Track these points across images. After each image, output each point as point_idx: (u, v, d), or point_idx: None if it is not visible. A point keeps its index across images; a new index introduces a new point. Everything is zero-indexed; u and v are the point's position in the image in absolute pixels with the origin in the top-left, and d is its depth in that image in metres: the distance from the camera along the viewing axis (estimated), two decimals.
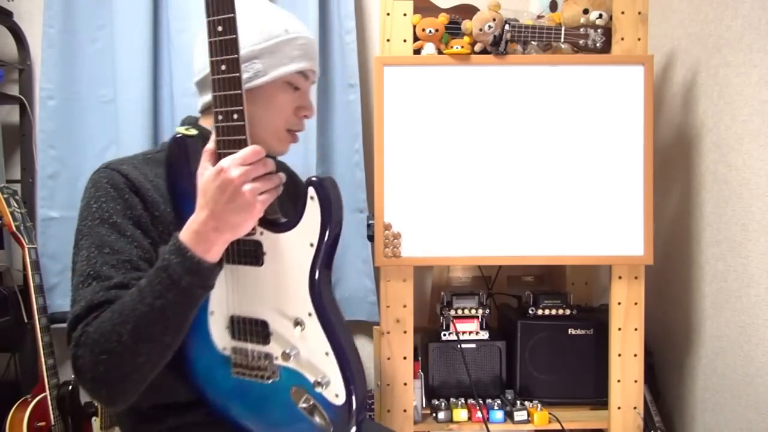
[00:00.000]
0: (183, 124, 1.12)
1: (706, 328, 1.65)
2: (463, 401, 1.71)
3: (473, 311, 1.74)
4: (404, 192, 1.58)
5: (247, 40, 1.02)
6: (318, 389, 0.90)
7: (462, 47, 1.57)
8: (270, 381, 0.93)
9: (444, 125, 1.58)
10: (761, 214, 1.43)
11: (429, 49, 1.60)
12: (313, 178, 0.89)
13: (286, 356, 0.91)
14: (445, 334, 1.74)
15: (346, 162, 2.03)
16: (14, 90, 2.05)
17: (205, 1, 0.86)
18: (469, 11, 1.61)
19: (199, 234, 0.85)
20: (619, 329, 1.61)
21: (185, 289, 0.84)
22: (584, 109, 1.57)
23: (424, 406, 1.70)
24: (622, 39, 1.58)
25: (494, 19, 1.55)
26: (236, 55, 0.86)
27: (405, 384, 1.61)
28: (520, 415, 1.65)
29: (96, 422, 1.84)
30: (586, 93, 1.57)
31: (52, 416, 1.75)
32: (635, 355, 1.62)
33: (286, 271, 0.91)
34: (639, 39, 1.58)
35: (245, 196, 0.84)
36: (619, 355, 1.62)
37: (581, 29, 1.58)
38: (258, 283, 0.94)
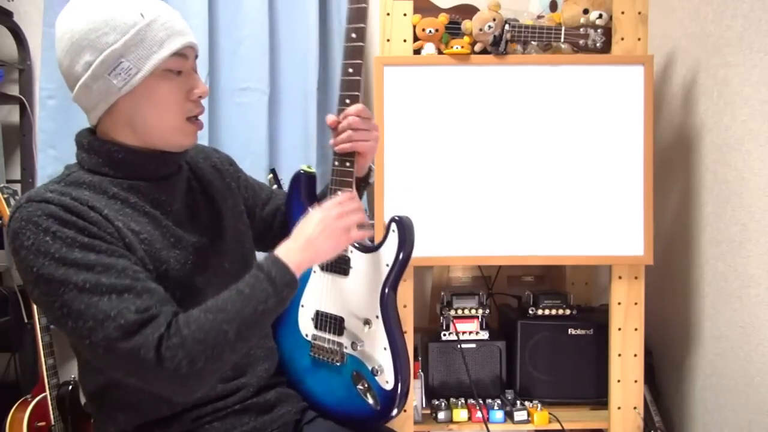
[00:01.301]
0: (77, 139, 1.03)
1: (706, 328, 1.65)
2: (463, 401, 1.71)
3: (473, 311, 1.74)
4: (404, 192, 1.58)
5: (104, 42, 0.93)
6: (374, 375, 1.13)
7: (462, 47, 1.57)
8: (338, 364, 1.16)
9: (444, 125, 1.58)
10: (761, 214, 1.43)
11: (429, 49, 1.60)
12: (396, 217, 1.13)
13: (354, 346, 1.14)
14: (445, 334, 1.74)
15: None
16: (14, 90, 2.05)
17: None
18: (469, 11, 1.61)
19: (297, 255, 1.00)
20: (619, 329, 1.61)
21: (283, 299, 0.98)
22: (584, 109, 1.57)
23: (424, 406, 1.70)
24: (622, 39, 1.58)
25: (494, 19, 1.55)
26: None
27: None
28: (520, 415, 1.64)
29: None
30: (586, 93, 1.57)
31: (52, 416, 1.75)
32: (635, 355, 1.62)
33: (365, 282, 1.15)
34: (639, 39, 1.58)
35: (337, 233, 1.05)
36: (619, 355, 1.62)
37: (581, 29, 1.58)
38: (341, 289, 1.19)
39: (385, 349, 1.12)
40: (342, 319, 1.17)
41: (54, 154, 1.96)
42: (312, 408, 1.21)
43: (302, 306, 1.23)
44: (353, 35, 1.10)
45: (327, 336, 1.18)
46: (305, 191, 1.22)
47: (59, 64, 0.98)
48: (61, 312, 0.88)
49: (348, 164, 1.13)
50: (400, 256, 1.12)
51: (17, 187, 1.98)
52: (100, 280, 0.87)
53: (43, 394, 1.75)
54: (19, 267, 0.91)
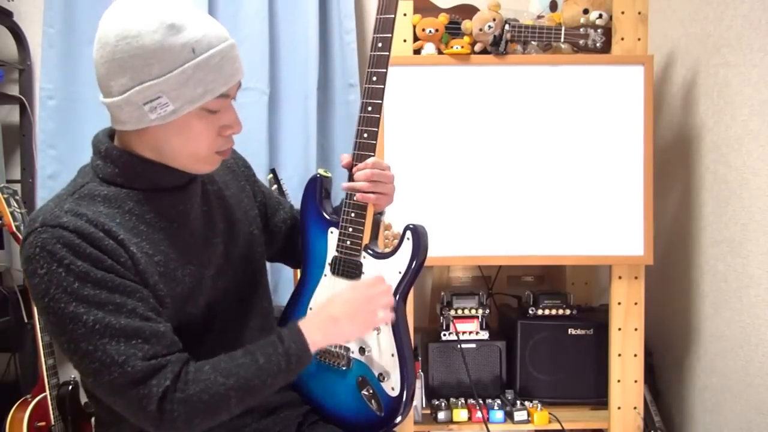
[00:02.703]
0: (95, 143, 1.01)
1: (706, 328, 1.65)
2: (463, 401, 1.71)
3: (473, 311, 1.74)
4: (404, 192, 1.57)
5: (146, 73, 0.88)
6: (380, 381, 1.13)
7: (462, 47, 1.57)
8: (344, 368, 1.16)
9: (444, 125, 1.58)
10: (761, 214, 1.43)
11: (429, 49, 1.60)
12: (411, 225, 1.14)
13: (361, 351, 1.14)
14: (445, 334, 1.74)
15: None
16: (14, 90, 2.05)
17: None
18: (469, 11, 1.61)
19: (318, 335, 1.00)
20: (619, 329, 1.62)
21: (294, 374, 0.98)
22: (584, 109, 1.57)
23: (424, 406, 1.70)
24: (622, 39, 1.58)
25: (494, 19, 1.55)
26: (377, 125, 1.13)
27: None
28: (520, 415, 1.65)
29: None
30: (586, 93, 1.57)
31: (52, 416, 1.75)
32: (635, 355, 1.62)
33: None
34: (639, 39, 1.58)
35: (362, 317, 1.05)
36: (619, 355, 1.62)
37: (581, 29, 1.58)
38: None
39: (392, 355, 1.12)
40: None
41: (54, 154, 1.96)
42: (314, 411, 1.20)
43: (311, 309, 1.21)
44: (380, 44, 1.12)
45: None
46: (320, 195, 1.23)
47: (95, 65, 0.94)
48: (68, 346, 0.88)
49: (361, 214, 1.14)
50: (413, 265, 1.12)
51: (17, 187, 1.98)
52: (110, 321, 0.87)
53: (43, 394, 1.75)
54: (30, 291, 0.91)
